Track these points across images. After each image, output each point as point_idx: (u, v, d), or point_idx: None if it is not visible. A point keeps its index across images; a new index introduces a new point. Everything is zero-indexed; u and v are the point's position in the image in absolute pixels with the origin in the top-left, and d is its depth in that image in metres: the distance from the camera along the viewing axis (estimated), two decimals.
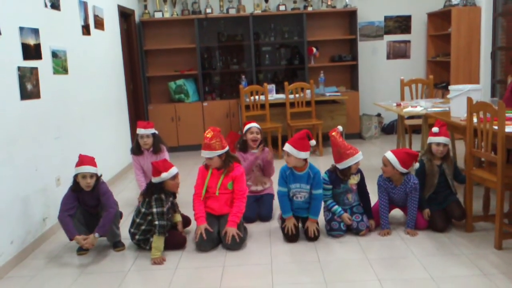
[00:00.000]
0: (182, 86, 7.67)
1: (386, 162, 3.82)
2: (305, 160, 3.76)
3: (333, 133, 3.85)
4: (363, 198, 3.98)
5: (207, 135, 3.78)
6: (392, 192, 3.90)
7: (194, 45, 7.69)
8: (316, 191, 3.81)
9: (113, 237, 3.82)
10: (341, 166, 3.80)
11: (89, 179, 3.66)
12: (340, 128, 3.92)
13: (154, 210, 3.59)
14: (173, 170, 3.71)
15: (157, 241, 3.58)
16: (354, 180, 3.90)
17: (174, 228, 3.90)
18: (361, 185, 3.96)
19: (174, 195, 3.88)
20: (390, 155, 3.80)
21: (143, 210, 3.67)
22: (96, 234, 3.57)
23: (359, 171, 3.93)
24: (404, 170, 3.78)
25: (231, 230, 3.68)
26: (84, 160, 3.70)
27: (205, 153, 3.77)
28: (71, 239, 3.61)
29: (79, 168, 3.66)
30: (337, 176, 3.87)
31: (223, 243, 3.71)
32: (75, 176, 3.69)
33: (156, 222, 3.57)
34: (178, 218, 3.97)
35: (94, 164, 3.72)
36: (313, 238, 3.79)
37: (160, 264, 3.53)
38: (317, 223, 3.83)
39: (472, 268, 3.19)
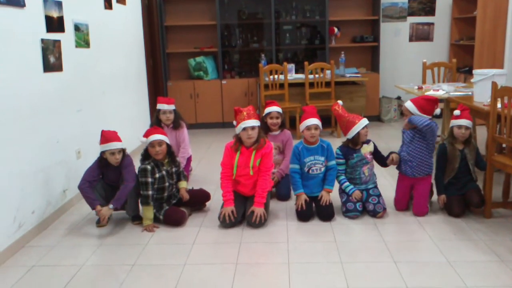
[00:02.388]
0: (201, 63, 7.66)
1: (406, 112, 3.85)
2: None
3: (336, 107, 3.95)
4: (380, 159, 4.05)
5: (247, 109, 3.75)
6: (413, 144, 3.82)
7: (214, 22, 7.65)
8: (330, 162, 3.92)
9: (133, 210, 3.87)
10: (350, 135, 3.85)
11: (118, 154, 3.72)
12: (340, 102, 4.02)
13: (139, 180, 3.69)
14: (152, 137, 3.74)
15: (144, 211, 3.73)
16: (367, 148, 3.93)
17: (176, 203, 3.94)
18: (376, 151, 4.02)
19: (176, 164, 3.92)
20: (408, 104, 3.82)
21: None
22: (111, 206, 3.62)
23: (370, 141, 3.97)
24: (425, 116, 3.78)
25: (258, 211, 3.70)
26: (110, 136, 3.72)
27: (251, 122, 3.69)
28: (93, 208, 3.67)
29: (107, 145, 3.69)
30: (349, 148, 3.91)
31: (248, 221, 3.74)
32: (102, 153, 3.73)
33: (141, 192, 3.69)
34: (183, 184, 4.01)
35: (119, 139, 3.76)
36: (326, 212, 3.81)
37: (151, 231, 3.67)
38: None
39: (489, 254, 3.17)
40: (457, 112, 3.82)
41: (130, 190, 3.71)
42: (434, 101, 3.78)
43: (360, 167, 3.91)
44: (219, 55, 7.73)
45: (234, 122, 3.79)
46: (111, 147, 3.70)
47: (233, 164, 3.79)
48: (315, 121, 3.85)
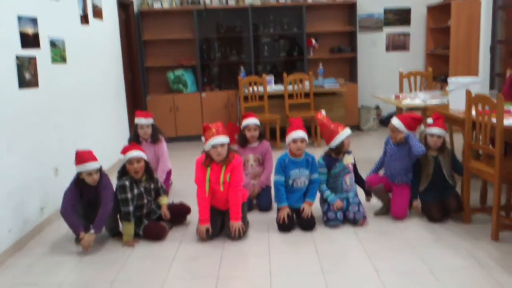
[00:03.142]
0: (180, 77, 7.65)
1: (393, 128, 3.92)
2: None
3: (319, 116, 4.01)
4: (357, 177, 4.12)
5: (216, 126, 3.70)
6: (394, 157, 3.98)
7: (193, 36, 7.66)
8: (313, 175, 3.93)
9: (112, 229, 3.82)
10: (333, 143, 3.87)
11: (95, 175, 3.64)
12: (323, 111, 4.07)
13: (118, 197, 3.66)
14: (130, 154, 3.71)
15: (125, 227, 3.70)
16: (349, 159, 3.96)
17: (158, 218, 3.91)
18: (355, 167, 4.07)
19: (154, 180, 3.90)
20: (396, 121, 3.91)
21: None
22: (92, 231, 3.57)
23: (351, 153, 4.00)
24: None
25: (236, 225, 3.68)
26: (85, 157, 3.63)
27: (221, 139, 3.62)
28: (77, 234, 3.59)
29: (83, 166, 3.60)
30: (331, 158, 3.94)
31: (228, 235, 3.71)
32: (79, 174, 3.65)
33: (121, 209, 3.65)
34: (164, 200, 3.98)
35: (95, 158, 3.67)
36: (307, 224, 3.81)
37: (131, 246, 3.65)
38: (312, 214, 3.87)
39: (469, 259, 3.20)
40: (429, 120, 3.91)
41: (110, 212, 3.65)
42: (419, 120, 3.92)
43: (342, 177, 3.94)
44: (198, 69, 7.73)
45: (203, 139, 3.74)
46: (87, 168, 3.61)
47: (205, 180, 3.74)
48: (301, 134, 3.85)
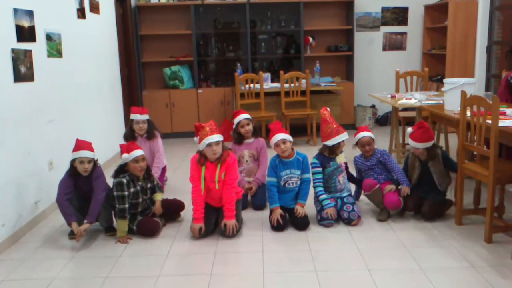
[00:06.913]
0: (177, 73, 7.64)
1: (369, 142, 4.14)
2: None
3: (324, 111, 3.98)
4: (349, 176, 4.18)
5: (210, 125, 3.70)
6: (366, 166, 4.15)
7: (190, 31, 7.65)
8: (305, 175, 3.92)
9: (106, 221, 3.82)
10: (331, 142, 3.87)
11: (87, 164, 3.64)
12: (328, 109, 4.05)
13: (114, 194, 3.65)
14: (136, 153, 3.72)
15: (119, 224, 3.70)
16: (342, 158, 3.99)
17: (151, 213, 3.92)
18: (346, 165, 4.10)
19: (151, 180, 3.91)
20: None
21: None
22: (85, 221, 3.57)
23: (342, 151, 4.04)
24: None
25: (230, 223, 3.68)
26: (81, 145, 3.68)
27: (215, 137, 3.62)
28: (69, 223, 3.60)
29: (77, 153, 3.64)
30: (325, 156, 3.94)
31: (222, 233, 3.71)
32: (72, 161, 3.67)
33: (116, 206, 3.65)
34: (158, 197, 3.98)
35: (92, 149, 3.70)
36: (301, 223, 3.81)
37: (124, 243, 3.65)
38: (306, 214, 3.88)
39: (461, 260, 3.22)
40: (409, 129, 3.99)
41: (103, 201, 3.66)
42: None
43: (336, 176, 3.94)
44: (194, 64, 7.72)
45: (196, 139, 3.73)
46: (80, 155, 3.63)
47: (201, 178, 3.73)
48: (281, 136, 3.84)
